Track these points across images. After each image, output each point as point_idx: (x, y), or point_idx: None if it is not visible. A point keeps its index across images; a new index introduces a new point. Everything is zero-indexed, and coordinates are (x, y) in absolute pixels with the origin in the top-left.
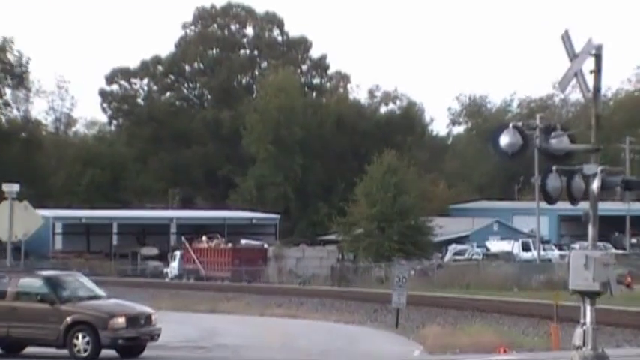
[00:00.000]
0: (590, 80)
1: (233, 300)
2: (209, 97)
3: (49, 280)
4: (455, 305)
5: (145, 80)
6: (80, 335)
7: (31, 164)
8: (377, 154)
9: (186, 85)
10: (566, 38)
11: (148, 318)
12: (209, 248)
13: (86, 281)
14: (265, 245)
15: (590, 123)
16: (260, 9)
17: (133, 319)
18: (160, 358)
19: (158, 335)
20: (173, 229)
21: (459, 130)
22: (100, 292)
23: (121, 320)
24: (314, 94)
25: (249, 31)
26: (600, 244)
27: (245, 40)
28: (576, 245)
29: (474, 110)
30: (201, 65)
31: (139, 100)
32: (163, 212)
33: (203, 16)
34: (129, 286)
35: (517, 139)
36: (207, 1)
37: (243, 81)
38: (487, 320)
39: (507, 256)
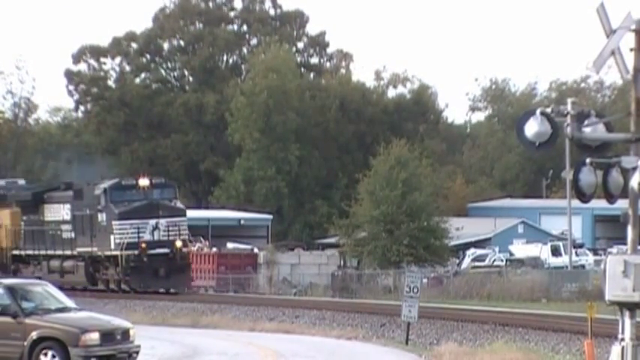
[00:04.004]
0: (629, 60)
1: (218, 313)
2: (190, 78)
3: (11, 290)
4: (474, 319)
5: (117, 60)
6: (47, 353)
7: None
8: (384, 144)
9: (164, 65)
10: (601, 11)
11: (125, 333)
12: (190, 253)
13: (54, 291)
14: (255, 250)
15: (630, 109)
16: None
17: (108, 335)
18: None
19: (137, 353)
20: None
21: (478, 117)
22: (70, 303)
23: (95, 336)
24: (311, 75)
25: (237, 3)
26: None
27: (232, 13)
28: (614, 249)
29: (495, 94)
30: (182, 42)
31: (110, 83)
32: None
33: None
34: (97, 297)
35: (545, 127)
36: None
37: (230, 60)
38: (511, 336)
39: (534, 262)
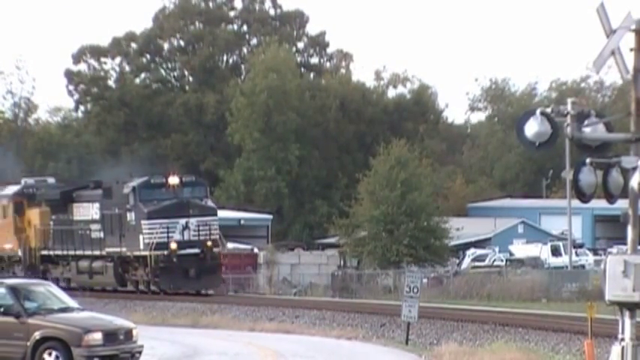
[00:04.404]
0: (629, 60)
1: (218, 313)
2: (190, 78)
3: (13, 290)
4: (474, 319)
5: (117, 60)
6: (50, 353)
7: None
8: (383, 144)
9: (164, 65)
10: (601, 11)
11: (128, 333)
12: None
13: (57, 291)
14: (255, 250)
15: (630, 109)
16: None
17: (110, 335)
18: None
19: (140, 353)
20: None
21: (479, 117)
22: (72, 303)
23: (98, 336)
24: (311, 75)
25: (237, 3)
26: None
27: (232, 13)
28: (614, 249)
29: (495, 94)
30: (182, 42)
31: (110, 83)
32: None
33: None
34: (97, 297)
35: (545, 127)
36: None
37: (230, 60)
38: (511, 336)
39: (534, 262)
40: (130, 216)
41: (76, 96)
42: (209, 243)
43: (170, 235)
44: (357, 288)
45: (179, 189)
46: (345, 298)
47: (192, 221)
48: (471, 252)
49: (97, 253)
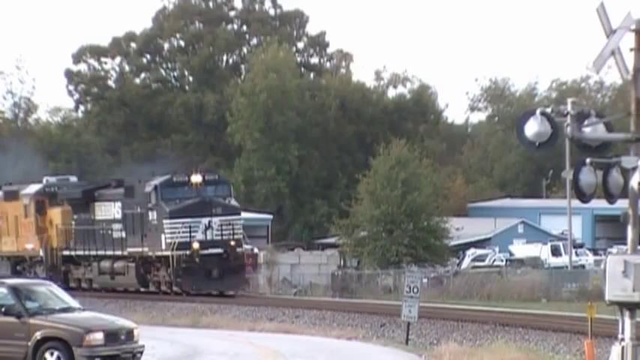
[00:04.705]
0: (629, 60)
1: (218, 313)
2: (190, 78)
3: (15, 290)
4: (474, 319)
5: (117, 60)
6: (52, 353)
7: None
8: (383, 144)
9: (164, 65)
10: (601, 11)
11: (130, 333)
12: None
13: (58, 291)
14: (255, 250)
15: (630, 109)
16: None
17: (112, 335)
18: None
19: (141, 353)
20: None
21: (479, 117)
22: (74, 303)
23: (99, 336)
24: (311, 75)
25: (237, 3)
26: None
27: (232, 13)
28: (614, 249)
29: (495, 94)
30: (182, 42)
31: (110, 83)
32: None
33: None
34: (97, 296)
35: (545, 127)
36: None
37: (230, 60)
38: (511, 336)
39: (534, 262)
40: (152, 215)
41: (76, 96)
42: (232, 243)
43: (192, 234)
44: (357, 288)
45: (202, 187)
46: (345, 298)
47: (215, 220)
48: (471, 252)
49: (118, 253)
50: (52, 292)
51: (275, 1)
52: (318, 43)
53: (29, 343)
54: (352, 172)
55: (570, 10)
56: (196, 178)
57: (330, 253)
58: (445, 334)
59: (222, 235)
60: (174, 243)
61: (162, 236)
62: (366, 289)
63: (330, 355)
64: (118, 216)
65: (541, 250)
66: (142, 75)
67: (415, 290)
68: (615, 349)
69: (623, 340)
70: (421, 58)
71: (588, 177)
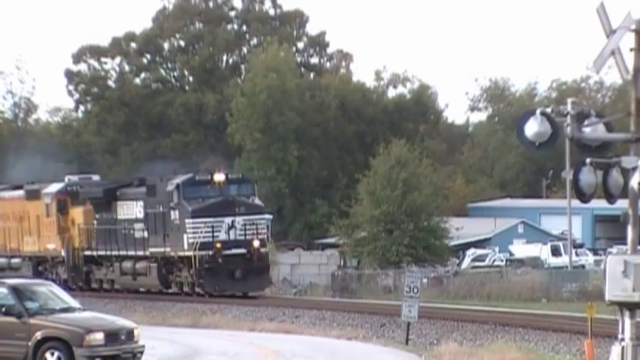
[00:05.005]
0: (629, 60)
1: (218, 313)
2: (190, 78)
3: (15, 290)
4: (474, 319)
5: (117, 60)
6: (52, 353)
7: None
8: (383, 144)
9: (164, 65)
10: (601, 11)
11: (130, 333)
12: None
13: (58, 291)
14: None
15: (630, 109)
16: None
17: (112, 335)
18: None
19: (141, 353)
20: None
21: (479, 117)
22: (74, 303)
23: (99, 336)
24: (311, 75)
25: (237, 3)
26: None
27: (232, 13)
28: (614, 249)
29: (495, 94)
30: (182, 42)
31: (110, 83)
32: None
33: None
34: (96, 297)
35: (545, 127)
36: None
37: (230, 60)
38: (511, 336)
39: (534, 262)
40: (174, 214)
41: (76, 96)
42: (256, 243)
43: (215, 234)
44: (357, 288)
45: (225, 186)
46: (345, 298)
47: (239, 220)
48: (471, 252)
49: (140, 253)
50: (52, 292)
51: (275, 1)
52: (318, 43)
53: (29, 343)
54: (352, 172)
55: (570, 10)
56: (219, 177)
57: (330, 253)
58: (445, 334)
59: (245, 234)
60: (197, 243)
61: (185, 236)
62: (366, 289)
63: (330, 355)
64: (140, 215)
65: (541, 250)
66: (142, 75)
67: (415, 290)
68: (615, 349)
69: (623, 340)
70: (421, 58)
71: (588, 177)
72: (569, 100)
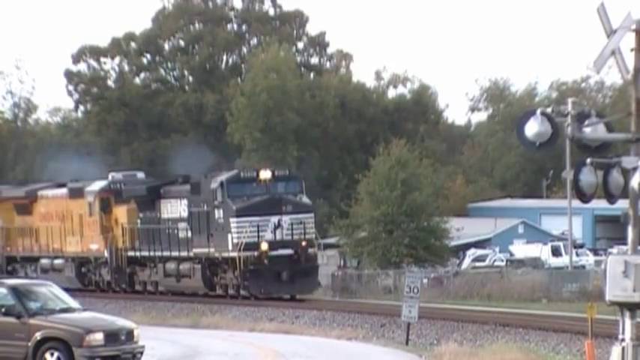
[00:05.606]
0: (629, 60)
1: (218, 313)
2: (190, 78)
3: (15, 290)
4: (474, 319)
5: (117, 60)
6: (52, 354)
7: None
8: (383, 144)
9: (164, 65)
10: (601, 11)
11: (130, 334)
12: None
13: (58, 292)
14: None
15: (630, 109)
16: None
17: (112, 335)
18: None
19: (141, 353)
20: None
21: (480, 117)
22: (74, 304)
23: (99, 336)
24: (311, 75)
25: (237, 2)
26: None
27: (232, 13)
28: (614, 250)
29: (495, 94)
30: (182, 42)
31: (110, 83)
32: None
33: None
34: (96, 297)
35: (546, 127)
36: None
37: (230, 60)
38: (512, 336)
39: (535, 262)
40: (218, 213)
41: (76, 96)
42: (304, 243)
43: (261, 234)
44: (357, 288)
45: (271, 184)
46: (345, 299)
47: (286, 219)
48: (471, 252)
49: (184, 254)
50: (52, 292)
51: (275, 1)
52: (318, 43)
53: (29, 344)
54: (352, 172)
55: (570, 10)
56: (265, 174)
57: (330, 254)
58: (445, 334)
59: (292, 234)
60: (242, 243)
61: (229, 236)
62: (366, 289)
63: (330, 355)
64: (184, 214)
65: (541, 251)
66: (142, 75)
67: (415, 290)
68: (615, 350)
69: (623, 340)
70: (421, 58)
71: (588, 177)
72: (570, 100)
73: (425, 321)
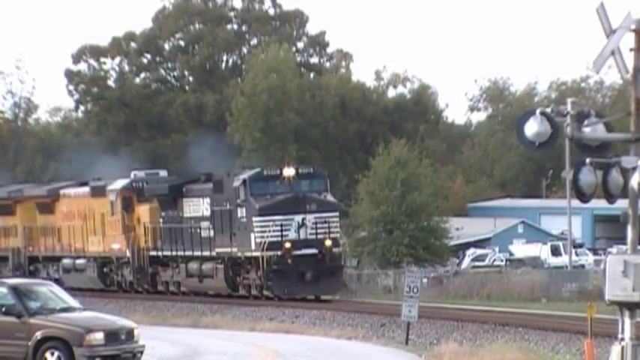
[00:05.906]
0: (629, 59)
1: (218, 313)
2: (190, 78)
3: (15, 290)
4: (474, 319)
5: (117, 59)
6: (52, 353)
7: None
8: (383, 144)
9: (164, 65)
10: (601, 11)
11: (130, 333)
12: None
13: (58, 291)
14: None
15: (630, 109)
16: None
17: (112, 335)
18: None
19: (141, 353)
20: None
21: (479, 117)
22: (74, 303)
23: (99, 336)
24: (311, 75)
25: (237, 2)
26: None
27: (232, 13)
28: (613, 249)
29: (494, 94)
30: (182, 42)
31: (110, 83)
32: None
33: None
34: (96, 296)
35: (545, 127)
36: None
37: (230, 60)
38: (511, 336)
39: (534, 262)
40: (241, 212)
41: (76, 96)
42: (328, 242)
43: (284, 233)
44: (357, 288)
45: (295, 181)
46: (344, 298)
47: (310, 218)
48: (471, 252)
49: (206, 253)
50: (52, 291)
51: (275, 1)
52: (318, 43)
53: (29, 343)
54: (352, 172)
55: (570, 10)
56: (289, 172)
57: None
58: (445, 334)
59: (317, 233)
60: (265, 243)
61: (252, 235)
62: (366, 289)
63: (330, 355)
64: (207, 213)
65: (541, 250)
66: (142, 75)
67: (415, 290)
68: (615, 349)
69: (623, 339)
70: (421, 58)
71: (588, 177)
72: (569, 100)
73: (425, 321)
